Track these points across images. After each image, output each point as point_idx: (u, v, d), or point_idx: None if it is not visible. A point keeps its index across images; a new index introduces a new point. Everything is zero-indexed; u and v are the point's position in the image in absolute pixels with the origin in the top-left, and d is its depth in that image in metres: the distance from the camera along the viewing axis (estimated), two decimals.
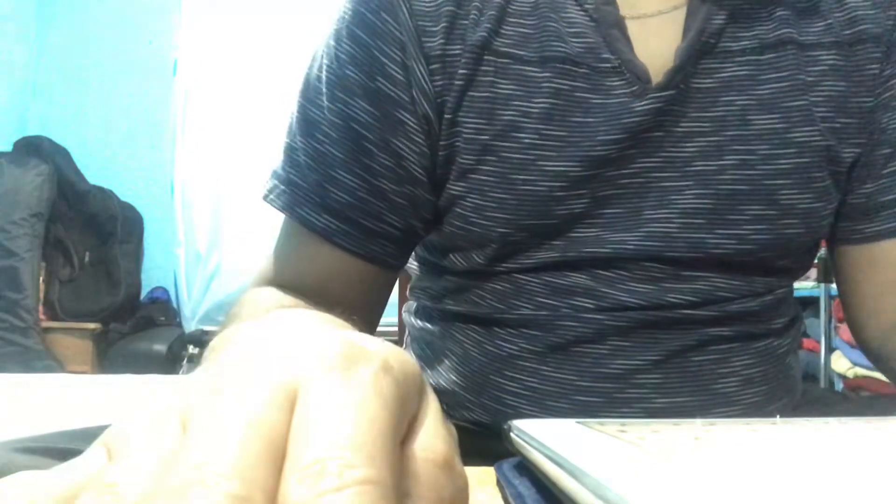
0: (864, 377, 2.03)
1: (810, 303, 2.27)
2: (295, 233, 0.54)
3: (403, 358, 0.19)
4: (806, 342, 2.33)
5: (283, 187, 0.53)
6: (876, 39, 0.53)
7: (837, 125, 0.53)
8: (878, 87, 0.54)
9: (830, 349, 2.17)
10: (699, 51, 0.51)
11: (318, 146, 0.52)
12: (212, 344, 0.27)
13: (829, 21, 0.54)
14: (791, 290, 0.59)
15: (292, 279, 0.54)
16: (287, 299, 0.50)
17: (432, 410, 0.19)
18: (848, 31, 0.54)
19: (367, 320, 0.56)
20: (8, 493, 0.17)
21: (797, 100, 0.52)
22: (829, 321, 2.16)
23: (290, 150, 0.54)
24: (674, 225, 0.51)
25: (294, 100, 0.55)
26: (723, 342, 0.53)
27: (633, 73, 0.51)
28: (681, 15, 0.53)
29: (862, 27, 0.54)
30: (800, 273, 0.58)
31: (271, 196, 0.54)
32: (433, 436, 0.18)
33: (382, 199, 0.52)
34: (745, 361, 0.53)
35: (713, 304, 0.52)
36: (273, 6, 3.37)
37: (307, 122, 0.53)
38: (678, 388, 0.52)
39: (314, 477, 0.14)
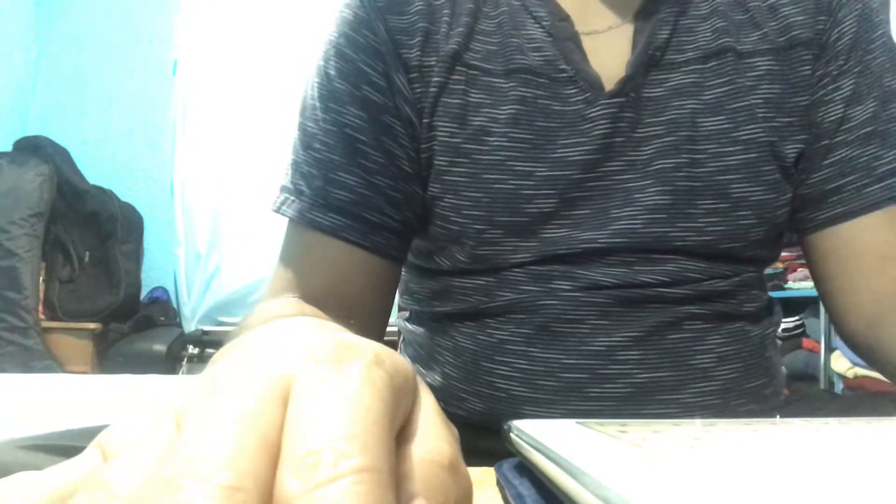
0: (864, 377, 2.03)
1: (810, 303, 2.27)
2: (303, 236, 0.58)
3: (395, 354, 0.19)
4: (806, 342, 2.33)
5: (292, 198, 0.58)
6: (807, 44, 0.58)
7: (777, 124, 0.57)
8: (811, 87, 0.58)
9: (830, 349, 2.18)
10: (646, 63, 0.56)
11: (318, 155, 0.57)
12: (214, 357, 0.28)
13: (765, 30, 0.58)
14: (761, 276, 0.62)
15: (303, 282, 0.56)
16: (293, 308, 0.51)
17: (431, 410, 0.19)
18: (782, 38, 0.58)
19: (376, 318, 0.59)
20: (3, 492, 0.17)
21: (740, 101, 0.57)
22: (829, 321, 2.16)
23: (296, 165, 0.58)
24: (638, 221, 0.55)
25: (295, 121, 0.60)
26: (697, 320, 0.56)
27: (587, 81, 0.56)
28: (629, 30, 0.58)
29: (794, 33, 0.58)
30: (766, 263, 0.62)
31: (283, 208, 0.58)
32: (436, 437, 0.18)
33: (380, 194, 0.56)
34: (718, 340, 0.56)
35: (685, 284, 0.56)
36: (273, 7, 3.37)
37: (307, 137, 0.58)
38: (657, 363, 0.55)
39: (309, 469, 0.14)
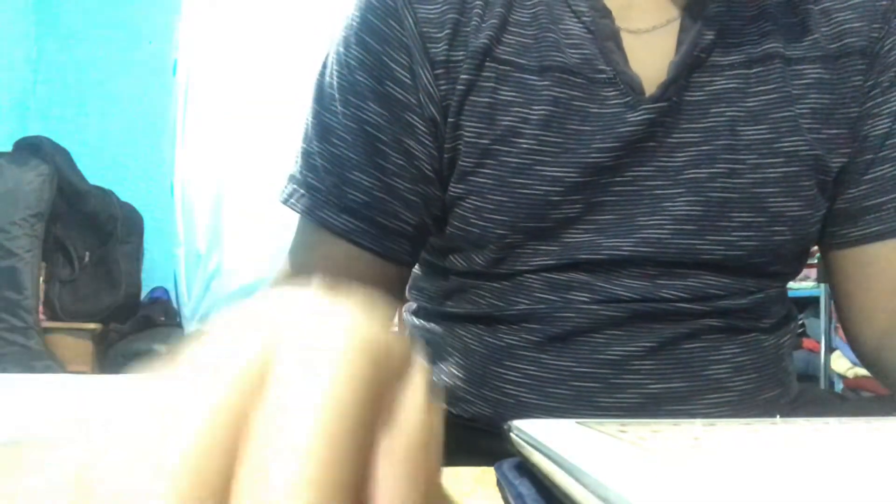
0: (864, 377, 2.03)
1: (810, 303, 2.27)
2: (313, 234, 0.56)
3: (389, 339, 0.17)
4: (806, 342, 2.33)
5: (302, 191, 0.56)
6: (861, 52, 0.55)
7: (824, 136, 0.55)
8: (862, 98, 0.56)
9: (830, 349, 2.18)
10: (690, 65, 0.54)
11: (334, 150, 0.54)
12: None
13: (816, 35, 0.56)
14: (783, 290, 0.60)
15: (308, 278, 0.55)
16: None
17: (414, 390, 0.18)
18: (834, 45, 0.56)
19: None
20: None
21: (784, 111, 0.54)
22: (829, 321, 2.16)
23: (307, 155, 0.56)
24: (666, 231, 0.53)
25: (308, 106, 0.57)
26: (713, 332, 0.55)
27: (628, 84, 0.53)
28: (674, 29, 0.55)
29: (848, 40, 0.55)
30: (790, 277, 0.60)
31: (291, 200, 0.56)
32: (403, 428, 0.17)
33: (397, 198, 0.55)
34: (734, 350, 0.56)
35: (704, 300, 0.55)
36: (273, 6, 3.37)
37: (322, 128, 0.55)
38: (671, 373, 0.54)
39: (260, 482, 0.14)
